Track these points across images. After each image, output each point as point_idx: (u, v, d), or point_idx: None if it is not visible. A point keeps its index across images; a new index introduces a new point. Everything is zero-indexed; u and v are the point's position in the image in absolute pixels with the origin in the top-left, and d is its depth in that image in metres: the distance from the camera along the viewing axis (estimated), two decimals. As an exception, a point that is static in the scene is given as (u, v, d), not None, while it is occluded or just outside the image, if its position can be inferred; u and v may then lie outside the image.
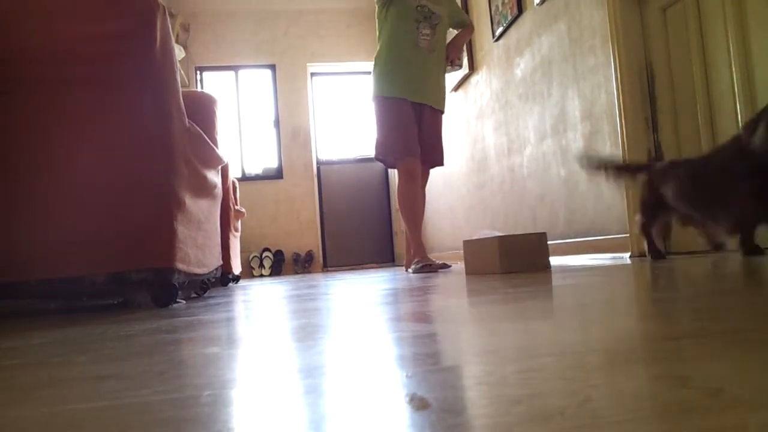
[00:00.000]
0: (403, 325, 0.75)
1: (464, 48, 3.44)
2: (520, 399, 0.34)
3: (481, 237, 2.28)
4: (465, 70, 4.70)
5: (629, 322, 0.62)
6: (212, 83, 6.67)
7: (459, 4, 4.70)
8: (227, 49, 6.61)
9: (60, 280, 1.59)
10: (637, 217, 2.16)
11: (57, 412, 0.41)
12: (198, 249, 1.89)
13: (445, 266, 3.12)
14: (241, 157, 6.60)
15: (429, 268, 2.97)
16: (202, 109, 2.53)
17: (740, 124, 2.15)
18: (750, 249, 1.73)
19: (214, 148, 2.11)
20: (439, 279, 2.07)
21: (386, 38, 3.16)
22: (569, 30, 3.12)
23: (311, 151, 6.72)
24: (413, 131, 3.13)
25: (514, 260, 2.10)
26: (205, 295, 2.35)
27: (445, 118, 5.08)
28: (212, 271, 2.15)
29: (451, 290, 1.38)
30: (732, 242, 1.87)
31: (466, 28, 3.42)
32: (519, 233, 2.33)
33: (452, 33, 3.57)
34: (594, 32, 2.88)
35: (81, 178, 1.60)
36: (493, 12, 4.13)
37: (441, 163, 3.34)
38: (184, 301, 1.87)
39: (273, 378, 0.47)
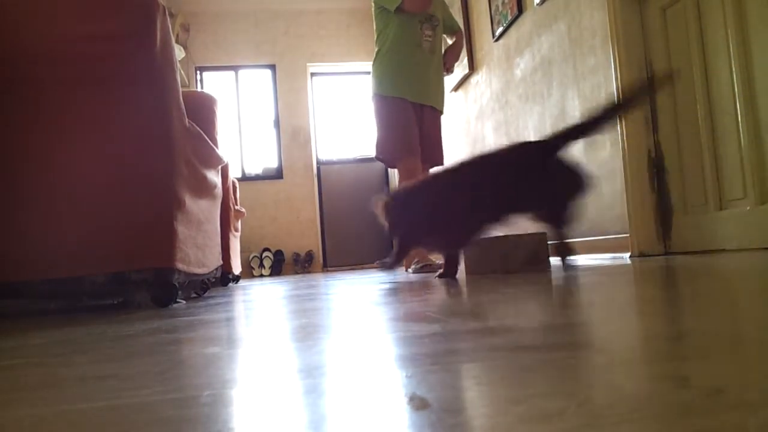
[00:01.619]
0: (403, 325, 0.75)
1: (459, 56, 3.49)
2: (520, 399, 0.34)
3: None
4: (464, 70, 4.71)
5: (629, 321, 0.62)
6: (212, 83, 6.67)
7: (459, 4, 4.71)
8: (227, 49, 6.61)
9: (60, 280, 1.59)
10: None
11: (57, 412, 0.41)
12: (198, 249, 1.89)
13: None
14: (241, 157, 6.60)
15: (429, 268, 2.98)
16: (202, 109, 2.53)
17: (740, 124, 2.15)
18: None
19: (214, 148, 2.11)
20: (439, 279, 2.07)
21: (391, 38, 3.17)
22: (569, 30, 3.12)
23: (311, 151, 6.72)
24: (414, 131, 3.13)
25: (514, 260, 2.10)
26: (205, 295, 2.35)
27: (445, 118, 5.07)
28: (212, 271, 2.15)
29: (451, 290, 1.38)
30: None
31: (458, 35, 3.44)
32: (519, 233, 2.32)
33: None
34: (594, 32, 2.88)
35: (81, 178, 1.60)
36: (493, 12, 4.13)
37: (441, 163, 3.35)
38: (184, 301, 1.87)
39: (273, 378, 0.47)
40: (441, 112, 3.33)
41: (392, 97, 3.13)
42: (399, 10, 3.08)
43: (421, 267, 2.99)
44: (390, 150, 3.14)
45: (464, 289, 1.39)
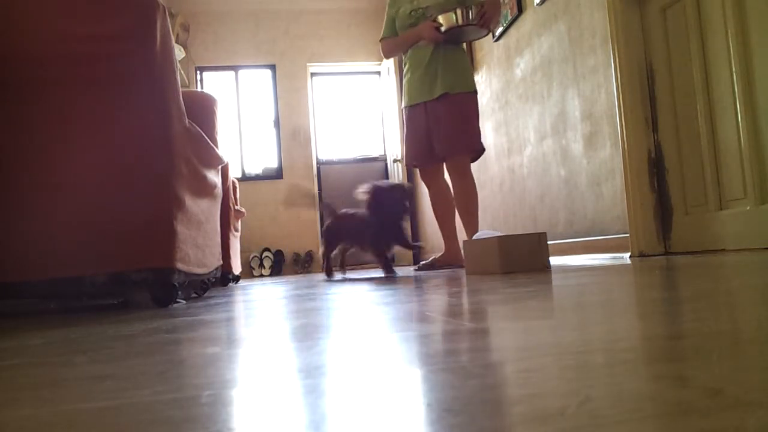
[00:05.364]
0: (403, 325, 0.75)
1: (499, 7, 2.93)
2: (520, 399, 0.34)
3: (481, 237, 2.27)
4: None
5: (629, 321, 0.62)
6: (212, 83, 6.67)
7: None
8: (227, 49, 6.61)
9: (60, 280, 1.59)
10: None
11: (57, 412, 0.41)
12: (198, 249, 1.89)
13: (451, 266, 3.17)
14: (241, 157, 6.60)
15: (430, 268, 3.09)
16: (202, 109, 2.53)
17: (740, 124, 2.15)
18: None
19: (214, 148, 2.11)
20: (439, 279, 2.07)
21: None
22: (569, 30, 3.11)
23: (311, 151, 6.72)
24: (418, 141, 3.13)
25: (514, 260, 2.10)
26: (205, 295, 2.35)
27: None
28: (212, 271, 2.14)
29: (452, 290, 1.38)
30: None
31: None
32: (519, 233, 2.32)
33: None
34: (594, 32, 2.88)
35: (81, 178, 1.60)
36: (493, 12, 4.12)
37: (447, 156, 3.05)
38: (184, 301, 1.87)
39: (273, 378, 0.47)
40: (453, 96, 3.00)
41: (403, 108, 3.24)
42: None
43: (421, 265, 3.09)
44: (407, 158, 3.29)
45: (464, 289, 1.39)
